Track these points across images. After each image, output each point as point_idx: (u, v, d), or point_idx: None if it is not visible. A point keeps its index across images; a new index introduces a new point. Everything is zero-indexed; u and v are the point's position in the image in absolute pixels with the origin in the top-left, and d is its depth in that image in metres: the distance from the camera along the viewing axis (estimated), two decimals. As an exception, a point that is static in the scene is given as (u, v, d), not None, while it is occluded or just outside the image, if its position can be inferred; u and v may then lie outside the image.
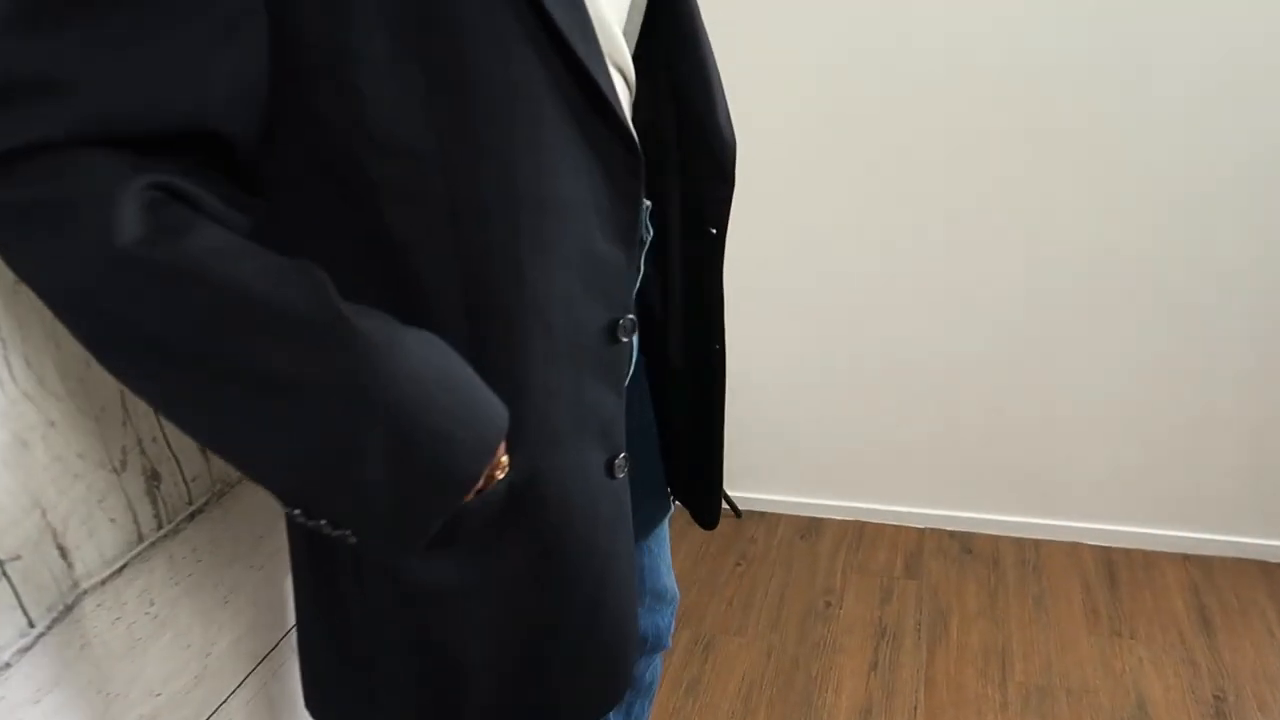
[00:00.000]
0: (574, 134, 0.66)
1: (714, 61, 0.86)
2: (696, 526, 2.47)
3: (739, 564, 2.33)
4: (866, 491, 2.43)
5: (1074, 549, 2.29)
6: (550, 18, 0.61)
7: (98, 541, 0.82)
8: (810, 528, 2.46)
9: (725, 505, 2.53)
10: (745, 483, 2.54)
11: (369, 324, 0.59)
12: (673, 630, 1.18)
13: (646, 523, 1.06)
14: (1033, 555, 2.28)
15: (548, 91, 0.63)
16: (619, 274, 0.73)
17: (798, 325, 2.29)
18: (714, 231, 0.90)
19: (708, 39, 0.85)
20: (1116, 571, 2.20)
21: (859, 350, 2.27)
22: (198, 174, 0.59)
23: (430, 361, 0.62)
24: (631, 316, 0.75)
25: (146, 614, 0.89)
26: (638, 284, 0.85)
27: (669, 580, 1.13)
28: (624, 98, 0.74)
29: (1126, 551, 2.27)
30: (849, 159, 2.09)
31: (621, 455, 0.79)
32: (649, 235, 0.88)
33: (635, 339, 0.83)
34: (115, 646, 0.86)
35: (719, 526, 2.47)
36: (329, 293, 0.58)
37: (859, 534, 2.41)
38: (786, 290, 2.26)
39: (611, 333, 0.74)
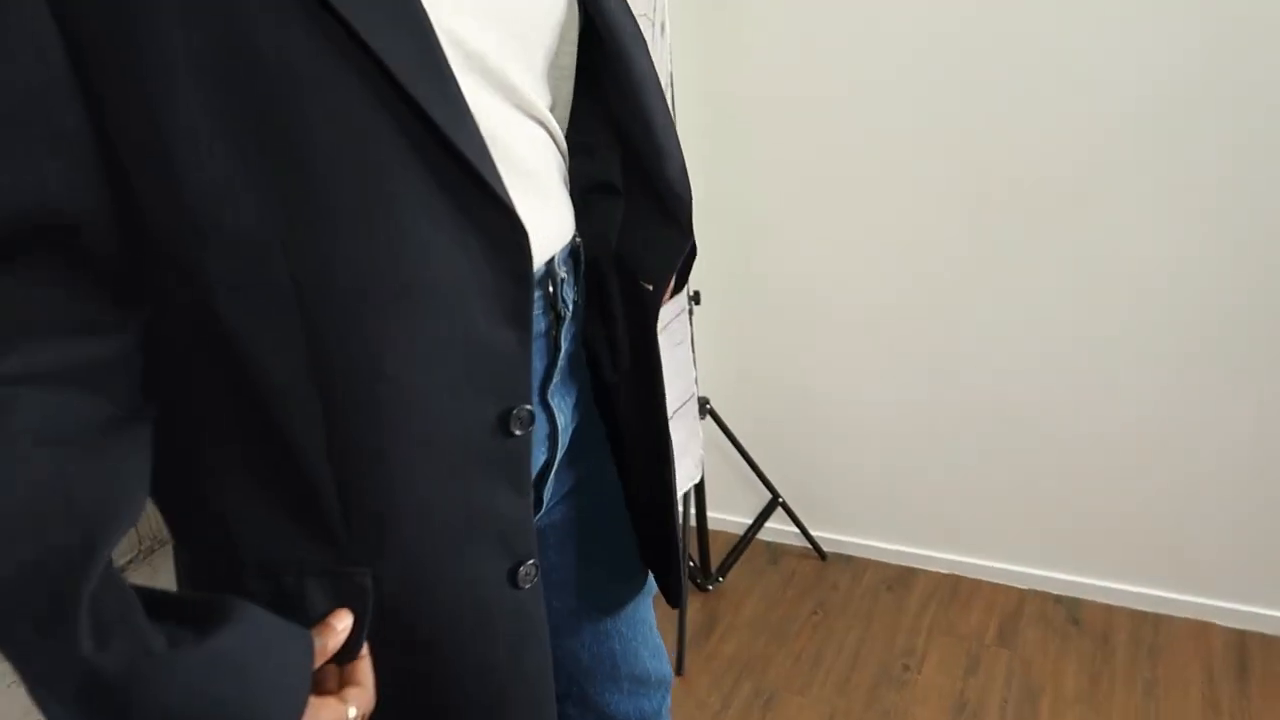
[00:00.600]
0: (442, 208, 0.56)
1: (662, 106, 0.73)
2: (778, 566, 2.30)
3: (815, 612, 2.15)
4: (965, 543, 2.20)
5: (1203, 630, 1.99)
6: (395, 78, 0.51)
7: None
8: (899, 578, 2.24)
9: (809, 545, 2.35)
10: (832, 523, 2.35)
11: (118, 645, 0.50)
12: (665, 714, 1.04)
13: (613, 604, 0.92)
14: (1150, 633, 2.00)
15: (403, 162, 0.54)
16: (511, 360, 0.62)
17: (900, 365, 2.09)
18: (650, 288, 0.77)
19: (654, 81, 0.73)
20: (1249, 660, 1.90)
21: (964, 393, 2.05)
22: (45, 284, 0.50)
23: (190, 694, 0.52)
24: (529, 408, 0.64)
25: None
26: (558, 362, 0.74)
27: (653, 663, 0.99)
28: (531, 147, 0.66)
29: (1264, 638, 1.96)
30: (963, 206, 1.88)
31: (529, 562, 0.68)
32: (568, 309, 0.75)
33: (573, 422, 0.74)
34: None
35: (800, 568, 2.29)
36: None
37: (952, 590, 2.18)
38: (887, 330, 2.07)
39: (504, 427, 0.63)
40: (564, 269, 0.73)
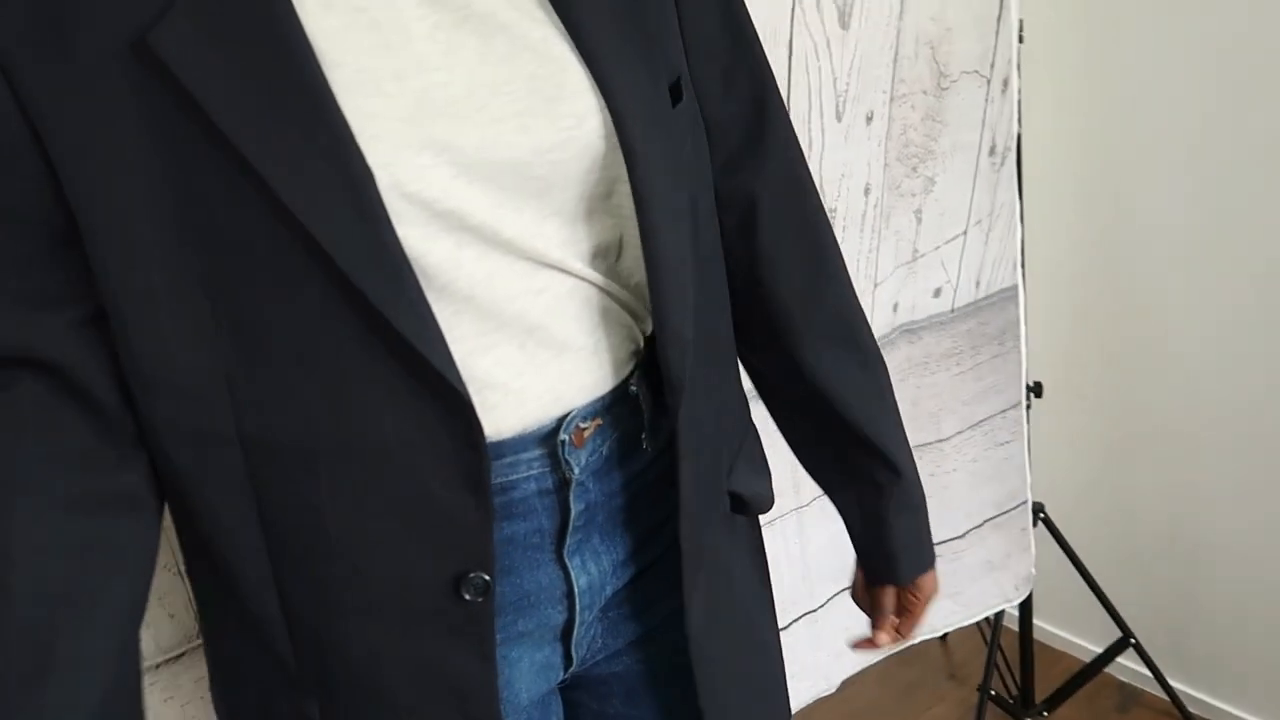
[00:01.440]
0: (392, 379, 0.55)
1: (676, 259, 0.62)
2: (1127, 717, 1.88)
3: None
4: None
5: None
6: (331, 260, 0.51)
7: (154, 632, 0.91)
8: (1292, 767, 1.73)
9: (1168, 699, 1.90)
10: (1204, 679, 1.88)
11: None
12: None
13: None
14: None
15: (349, 338, 0.54)
16: (466, 525, 0.59)
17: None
18: (646, 449, 0.69)
19: (678, 265, 0.62)
20: None
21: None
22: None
23: None
24: (485, 576, 0.59)
25: (202, 699, 0.95)
26: (572, 521, 0.66)
27: None
28: (537, 299, 0.61)
29: None
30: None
31: None
32: (574, 469, 0.64)
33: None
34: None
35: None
36: None
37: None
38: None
39: (455, 590, 0.59)
40: (587, 422, 0.64)
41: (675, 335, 0.63)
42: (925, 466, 1.56)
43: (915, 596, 0.84)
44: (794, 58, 1.22)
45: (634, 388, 0.66)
